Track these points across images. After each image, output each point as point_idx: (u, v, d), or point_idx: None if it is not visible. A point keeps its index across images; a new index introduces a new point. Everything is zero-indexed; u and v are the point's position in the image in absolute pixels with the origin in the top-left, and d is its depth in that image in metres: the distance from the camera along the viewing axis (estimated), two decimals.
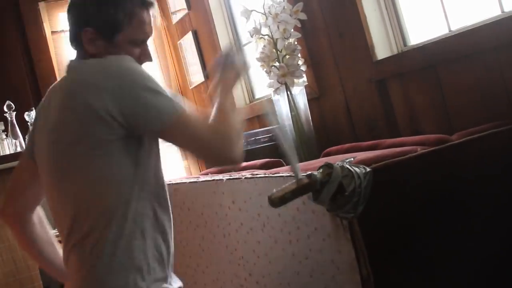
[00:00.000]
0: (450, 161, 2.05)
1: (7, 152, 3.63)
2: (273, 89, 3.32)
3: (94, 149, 1.71)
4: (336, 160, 1.88)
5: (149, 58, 1.91)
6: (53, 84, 1.98)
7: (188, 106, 1.74)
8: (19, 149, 3.71)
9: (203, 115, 1.77)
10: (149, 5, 1.88)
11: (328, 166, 1.74)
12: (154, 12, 1.90)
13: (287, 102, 3.31)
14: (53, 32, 5.32)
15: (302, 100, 3.34)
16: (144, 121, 1.69)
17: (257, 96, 4.76)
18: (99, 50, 1.81)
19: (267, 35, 3.29)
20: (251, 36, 3.35)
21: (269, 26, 3.25)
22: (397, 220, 1.89)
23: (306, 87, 3.41)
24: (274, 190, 1.70)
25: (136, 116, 1.68)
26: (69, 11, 1.89)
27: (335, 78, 3.44)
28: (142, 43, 1.88)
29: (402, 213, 1.89)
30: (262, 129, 3.77)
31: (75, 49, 1.90)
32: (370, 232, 1.81)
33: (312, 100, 3.53)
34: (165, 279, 1.82)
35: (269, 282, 2.28)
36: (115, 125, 1.67)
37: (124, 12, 1.81)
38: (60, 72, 5.20)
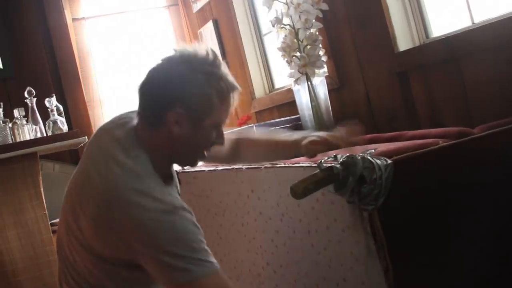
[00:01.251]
0: (472, 154, 2.03)
1: (27, 138, 3.65)
2: (294, 79, 3.31)
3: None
4: (357, 151, 1.87)
5: (222, 142, 1.86)
6: (103, 127, 1.91)
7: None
8: (39, 135, 3.73)
9: None
10: (236, 89, 1.82)
11: (349, 158, 1.74)
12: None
13: (308, 93, 3.30)
14: (74, 19, 5.34)
15: (322, 91, 3.33)
16: (154, 273, 1.68)
17: (276, 86, 4.76)
18: (184, 132, 1.75)
19: (288, 25, 3.28)
20: (273, 26, 3.34)
21: (290, 16, 3.24)
22: (417, 212, 1.88)
23: (326, 77, 3.40)
24: (296, 181, 1.70)
25: (146, 265, 1.68)
26: (151, 86, 1.80)
27: (356, 69, 3.42)
28: (221, 126, 1.83)
29: (422, 206, 1.88)
30: (281, 119, 3.77)
31: (145, 122, 1.80)
32: (390, 224, 1.81)
33: (332, 91, 3.52)
34: None
35: (287, 272, 2.28)
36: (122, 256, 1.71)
37: (218, 97, 1.75)
38: (80, 59, 5.22)
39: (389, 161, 1.75)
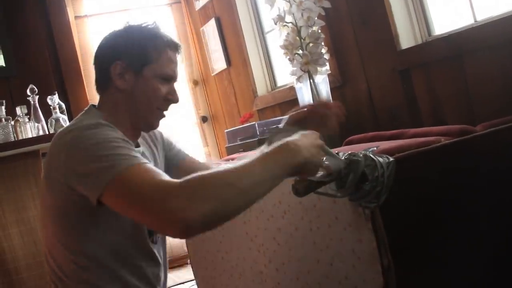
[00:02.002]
0: (474, 152, 2.03)
1: (30, 135, 3.65)
2: (296, 77, 3.31)
3: (58, 208, 1.74)
4: (359, 148, 1.87)
5: (175, 98, 1.90)
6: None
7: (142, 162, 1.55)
8: (41, 133, 3.73)
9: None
10: (177, 47, 1.91)
11: (351, 155, 1.73)
12: (179, 58, 1.94)
13: (310, 90, 3.30)
14: (76, 17, 5.34)
15: (324, 88, 3.32)
16: (85, 189, 1.60)
17: (279, 84, 4.76)
18: (129, 84, 1.83)
19: (291, 22, 3.28)
20: (275, 24, 3.35)
21: (293, 14, 3.24)
22: (419, 210, 1.88)
23: (329, 75, 3.40)
24: (298, 179, 1.70)
25: (80, 185, 1.61)
26: (97, 52, 1.91)
27: (358, 67, 3.42)
28: (169, 81, 1.88)
29: (424, 203, 1.88)
30: (283, 116, 3.77)
31: (99, 90, 1.92)
32: (391, 222, 1.81)
33: (334, 89, 3.52)
34: None
35: (288, 270, 2.28)
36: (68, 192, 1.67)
37: (154, 47, 1.84)
38: (83, 57, 5.23)
39: (391, 159, 1.75)
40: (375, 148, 1.80)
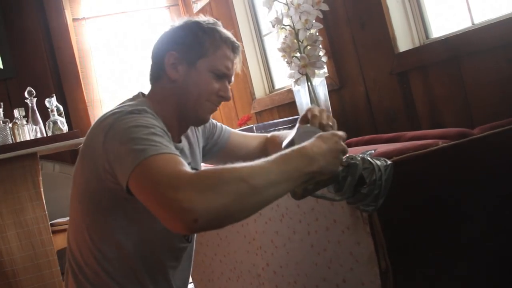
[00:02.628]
0: (472, 155, 2.04)
1: (28, 138, 3.65)
2: (294, 80, 3.31)
3: (91, 193, 1.73)
4: (357, 152, 1.87)
5: (227, 95, 1.88)
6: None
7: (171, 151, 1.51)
8: (39, 135, 3.74)
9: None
10: (235, 46, 1.89)
11: (349, 158, 1.73)
12: (238, 60, 1.91)
13: (308, 93, 3.30)
14: (74, 20, 5.35)
15: (322, 91, 3.32)
16: (118, 172, 1.57)
17: (277, 87, 4.76)
18: (181, 75, 1.82)
19: (288, 25, 3.27)
20: (273, 26, 3.34)
21: (291, 17, 3.24)
22: (417, 213, 1.88)
23: (326, 78, 3.40)
24: None
25: (115, 166, 1.59)
26: (155, 44, 1.91)
27: (356, 69, 3.42)
28: (222, 78, 1.86)
29: (422, 206, 1.89)
30: (281, 119, 3.77)
31: (151, 81, 1.91)
32: (389, 225, 1.81)
33: (332, 91, 3.53)
34: None
35: (286, 273, 2.28)
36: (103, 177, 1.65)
37: (210, 41, 1.83)
38: (80, 59, 5.23)
39: (389, 162, 1.75)
40: (372, 151, 1.80)
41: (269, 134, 2.23)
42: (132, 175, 1.47)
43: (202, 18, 1.90)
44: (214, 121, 2.15)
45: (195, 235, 2.02)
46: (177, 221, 1.32)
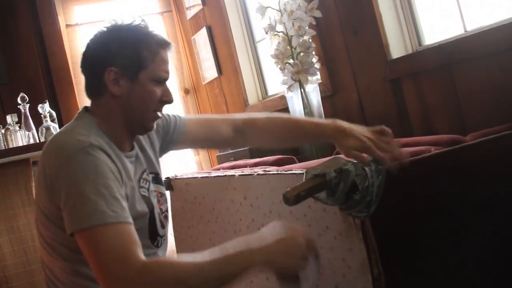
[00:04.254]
0: (464, 162, 2.04)
1: (20, 144, 3.64)
2: (287, 86, 3.32)
3: (46, 215, 1.72)
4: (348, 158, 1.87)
5: (170, 98, 1.88)
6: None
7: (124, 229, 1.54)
8: (31, 141, 3.73)
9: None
10: (168, 45, 1.87)
11: (342, 164, 1.74)
12: (170, 55, 1.90)
13: (301, 100, 3.31)
14: (67, 26, 5.34)
15: (315, 98, 3.33)
16: (65, 217, 1.60)
17: (270, 93, 4.76)
18: (124, 90, 1.79)
19: (281, 32, 3.29)
20: (266, 33, 3.35)
21: (284, 23, 3.25)
22: (409, 219, 1.88)
23: (319, 84, 3.41)
24: (288, 188, 1.70)
25: (63, 210, 1.61)
26: (87, 57, 1.86)
27: (349, 76, 3.43)
28: (163, 83, 1.86)
29: (414, 213, 1.89)
30: None
31: (91, 96, 1.87)
32: (382, 231, 1.81)
33: (325, 98, 3.53)
34: None
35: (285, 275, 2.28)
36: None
37: (148, 50, 1.80)
38: (73, 65, 5.22)
39: (382, 168, 1.75)
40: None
41: (244, 116, 2.21)
42: (78, 235, 1.54)
43: (129, 20, 1.86)
44: (167, 115, 2.11)
45: (165, 240, 1.98)
46: None
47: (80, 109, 1.88)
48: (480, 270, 1.99)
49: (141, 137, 1.99)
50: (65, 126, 1.82)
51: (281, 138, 2.20)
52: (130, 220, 1.57)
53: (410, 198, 1.89)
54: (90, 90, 1.85)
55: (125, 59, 1.77)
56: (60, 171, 1.60)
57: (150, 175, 1.95)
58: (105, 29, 1.84)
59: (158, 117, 1.90)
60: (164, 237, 1.94)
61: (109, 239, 1.50)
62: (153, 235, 1.88)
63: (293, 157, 2.75)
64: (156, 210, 1.89)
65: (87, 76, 1.85)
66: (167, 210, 2.00)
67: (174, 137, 2.10)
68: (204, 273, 1.47)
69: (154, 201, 1.90)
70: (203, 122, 2.19)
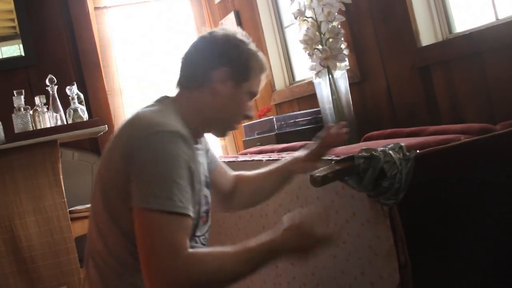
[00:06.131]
0: (493, 150, 2.02)
1: (48, 125, 3.67)
2: (315, 72, 3.31)
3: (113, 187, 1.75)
4: (377, 145, 1.86)
5: (252, 115, 1.98)
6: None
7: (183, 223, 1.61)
8: (59, 123, 3.75)
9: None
10: (266, 69, 1.98)
11: (370, 151, 1.73)
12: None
13: (329, 86, 3.29)
14: (96, 8, 5.36)
15: (343, 84, 3.32)
16: (131, 191, 1.66)
17: (297, 79, 4.75)
18: (225, 92, 1.88)
19: (311, 17, 3.27)
20: (295, 18, 3.34)
21: (313, 9, 3.24)
22: (437, 207, 1.87)
23: (348, 71, 3.39)
24: (316, 170, 1.70)
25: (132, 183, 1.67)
26: (197, 51, 1.94)
27: (377, 63, 3.41)
28: (252, 99, 1.96)
29: (442, 201, 1.88)
30: (301, 111, 3.77)
31: (185, 87, 1.94)
32: (409, 219, 1.80)
33: (353, 85, 3.51)
34: None
35: (304, 265, 2.28)
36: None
37: (256, 66, 1.92)
38: (101, 48, 5.24)
39: (410, 156, 1.74)
40: (392, 145, 1.80)
41: (235, 173, 2.29)
42: (140, 211, 1.60)
43: (242, 36, 1.95)
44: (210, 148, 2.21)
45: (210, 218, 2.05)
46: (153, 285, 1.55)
47: (160, 96, 1.95)
48: (510, 258, 1.98)
49: (204, 140, 2.09)
50: (149, 106, 1.89)
51: (261, 187, 2.25)
52: (192, 213, 1.64)
53: (439, 186, 1.88)
54: (188, 81, 1.93)
55: (238, 65, 1.88)
56: (143, 144, 1.66)
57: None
58: (222, 32, 1.94)
59: (236, 126, 2.01)
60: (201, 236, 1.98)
61: (170, 227, 1.56)
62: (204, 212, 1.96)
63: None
64: (202, 209, 1.94)
65: (192, 68, 1.93)
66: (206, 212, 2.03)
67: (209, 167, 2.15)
68: (242, 270, 1.62)
69: (203, 201, 1.95)
70: (223, 169, 2.25)
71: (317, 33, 3.25)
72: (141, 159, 1.64)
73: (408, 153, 1.77)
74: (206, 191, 1.98)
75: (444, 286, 1.92)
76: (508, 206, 1.97)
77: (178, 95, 1.94)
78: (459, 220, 1.91)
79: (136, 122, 1.77)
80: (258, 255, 1.63)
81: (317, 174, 1.69)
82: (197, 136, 1.95)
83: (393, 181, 1.70)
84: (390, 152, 1.74)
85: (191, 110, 1.89)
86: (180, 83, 1.94)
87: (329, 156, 2.04)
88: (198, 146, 1.94)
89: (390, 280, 1.84)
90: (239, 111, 1.94)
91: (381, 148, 1.77)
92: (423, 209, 1.86)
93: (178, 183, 1.61)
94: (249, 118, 1.99)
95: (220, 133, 2.01)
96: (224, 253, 1.63)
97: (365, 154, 1.73)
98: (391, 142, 1.98)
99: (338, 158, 1.79)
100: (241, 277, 1.64)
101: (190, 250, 1.57)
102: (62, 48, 5.12)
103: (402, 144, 1.80)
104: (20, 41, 5.02)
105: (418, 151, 1.80)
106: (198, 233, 1.93)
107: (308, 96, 4.13)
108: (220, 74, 1.86)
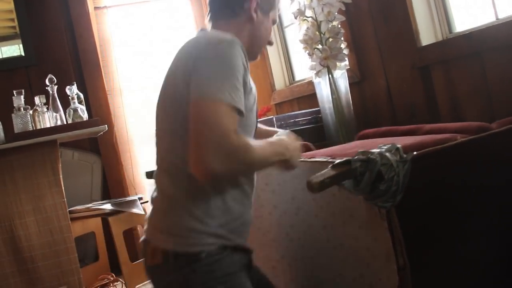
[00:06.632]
0: (490, 150, 2.00)
1: (48, 125, 3.67)
2: (315, 72, 3.30)
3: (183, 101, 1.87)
4: (373, 144, 1.85)
5: (272, 42, 2.23)
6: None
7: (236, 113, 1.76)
8: (59, 123, 3.75)
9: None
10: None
11: (367, 154, 1.72)
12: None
13: (328, 85, 3.28)
14: (96, 8, 5.34)
15: (343, 84, 3.31)
16: (190, 84, 1.81)
17: (297, 78, 4.74)
18: (259, 18, 2.12)
19: (311, 17, 3.26)
20: (295, 18, 3.33)
21: (313, 8, 3.23)
22: (435, 209, 1.86)
23: (347, 70, 3.38)
24: (313, 176, 1.69)
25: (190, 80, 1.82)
26: None
27: (377, 62, 3.40)
28: (273, 25, 2.21)
29: (440, 202, 1.86)
30: (301, 111, 3.76)
31: (223, 17, 2.13)
32: (407, 221, 1.79)
33: (353, 84, 3.51)
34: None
35: (301, 266, 2.28)
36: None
37: None
38: (101, 47, 5.23)
39: (407, 157, 1.73)
40: (389, 146, 1.78)
41: None
42: (197, 102, 1.74)
43: None
44: None
45: None
46: (199, 168, 1.68)
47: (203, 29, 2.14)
48: (509, 260, 1.97)
49: None
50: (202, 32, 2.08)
51: None
52: (242, 108, 1.79)
53: (436, 187, 1.86)
54: (225, 11, 2.12)
55: None
56: (209, 48, 1.84)
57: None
58: None
59: (261, 52, 2.23)
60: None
61: (226, 114, 1.70)
62: None
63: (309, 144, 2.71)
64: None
65: (225, 1, 2.13)
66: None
67: None
68: (266, 159, 1.82)
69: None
70: None
71: (317, 32, 3.24)
72: (203, 59, 1.81)
73: (405, 155, 1.75)
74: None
75: (443, 287, 1.91)
76: (507, 206, 1.96)
77: (216, 25, 2.14)
78: (458, 221, 1.90)
79: (199, 40, 1.94)
80: (272, 151, 1.85)
81: (314, 180, 1.68)
82: None
83: (390, 183, 1.69)
84: (387, 154, 1.73)
85: (238, 36, 2.01)
86: (215, 16, 2.15)
87: (325, 158, 2.04)
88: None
89: (388, 282, 1.83)
90: (267, 37, 2.18)
91: (378, 151, 1.75)
92: (421, 210, 1.84)
93: (235, 85, 1.77)
94: (270, 44, 2.22)
95: (253, 57, 2.18)
96: (258, 148, 1.78)
97: (362, 157, 1.72)
98: (386, 141, 1.97)
99: (334, 162, 1.78)
100: (262, 168, 1.95)
101: (242, 139, 1.70)
102: (62, 48, 5.11)
103: (399, 145, 1.78)
104: (20, 41, 5.01)
105: (415, 152, 1.79)
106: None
107: (308, 96, 4.12)
108: (252, 4, 2.09)
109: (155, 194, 2.01)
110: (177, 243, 1.86)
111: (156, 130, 2.04)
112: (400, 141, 1.96)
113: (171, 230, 1.88)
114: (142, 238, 2.01)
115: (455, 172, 1.92)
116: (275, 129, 2.49)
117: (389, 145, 1.77)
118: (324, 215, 2.08)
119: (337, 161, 1.74)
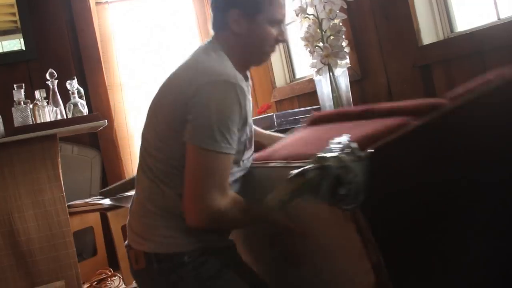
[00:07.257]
0: (447, 131, 1.85)
1: (48, 119, 3.66)
2: (316, 70, 3.30)
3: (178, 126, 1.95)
4: (325, 136, 1.81)
5: (285, 38, 2.18)
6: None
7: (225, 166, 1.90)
8: (59, 117, 3.74)
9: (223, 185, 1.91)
10: None
11: (321, 159, 1.67)
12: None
13: (329, 83, 3.29)
14: (97, 3, 5.34)
15: (344, 82, 3.31)
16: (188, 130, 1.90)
17: (297, 76, 4.75)
18: (243, 30, 2.07)
19: (312, 14, 3.26)
20: (296, 15, 3.33)
21: (315, 6, 3.23)
22: (402, 201, 1.78)
23: (348, 69, 3.38)
24: (269, 195, 1.67)
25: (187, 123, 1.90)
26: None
27: (378, 61, 3.40)
28: (279, 24, 2.12)
29: (404, 194, 1.78)
30: (301, 109, 3.76)
31: (217, 31, 2.14)
32: (375, 218, 1.73)
33: (354, 82, 3.51)
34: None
35: (277, 275, 2.25)
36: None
37: None
38: (102, 43, 5.23)
39: (364, 156, 1.67)
40: (343, 144, 1.72)
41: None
42: (194, 148, 1.86)
43: None
44: None
45: None
46: (192, 215, 1.88)
47: (207, 43, 2.15)
48: (482, 249, 1.92)
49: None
50: (202, 51, 2.10)
51: None
52: (235, 151, 1.92)
53: (398, 178, 1.77)
54: (215, 26, 2.15)
55: (246, 2, 2.07)
56: (205, 89, 1.88)
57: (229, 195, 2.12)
58: None
59: (273, 51, 2.21)
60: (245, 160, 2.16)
61: (221, 165, 1.86)
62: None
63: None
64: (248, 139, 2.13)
65: (215, 13, 2.15)
66: None
67: None
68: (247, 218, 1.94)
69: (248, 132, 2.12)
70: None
71: (318, 30, 3.24)
72: (202, 103, 1.86)
73: (361, 154, 1.68)
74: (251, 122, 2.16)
75: (427, 281, 1.87)
76: (479, 190, 1.88)
77: (215, 36, 2.14)
78: (425, 211, 1.80)
79: (195, 66, 2.00)
80: (256, 218, 1.95)
81: (271, 203, 1.67)
82: (245, 70, 2.18)
83: (350, 186, 1.65)
84: (342, 156, 1.66)
85: (231, 50, 2.08)
86: (213, 27, 2.15)
87: (281, 163, 2.00)
88: (247, 83, 2.14)
89: (366, 280, 1.79)
90: (265, 42, 2.12)
91: (332, 155, 1.69)
92: (386, 205, 1.75)
93: (231, 129, 1.86)
94: (283, 42, 2.20)
95: (261, 63, 2.24)
96: (245, 207, 1.92)
97: (316, 165, 1.67)
98: (338, 131, 1.84)
99: (291, 167, 1.75)
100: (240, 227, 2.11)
101: (232, 194, 1.91)
102: (63, 43, 5.11)
103: (354, 144, 1.70)
104: (21, 35, 5.01)
105: (371, 150, 1.71)
106: (244, 158, 2.08)
107: (309, 94, 4.12)
108: (232, 16, 2.06)
109: (135, 196, 2.08)
110: (158, 246, 1.95)
111: (144, 131, 2.11)
112: (351, 131, 1.85)
113: (150, 234, 1.96)
114: (125, 244, 2.08)
115: (415, 159, 1.77)
116: (279, 135, 2.54)
117: (341, 144, 1.71)
118: (291, 219, 2.02)
119: (291, 173, 1.69)
